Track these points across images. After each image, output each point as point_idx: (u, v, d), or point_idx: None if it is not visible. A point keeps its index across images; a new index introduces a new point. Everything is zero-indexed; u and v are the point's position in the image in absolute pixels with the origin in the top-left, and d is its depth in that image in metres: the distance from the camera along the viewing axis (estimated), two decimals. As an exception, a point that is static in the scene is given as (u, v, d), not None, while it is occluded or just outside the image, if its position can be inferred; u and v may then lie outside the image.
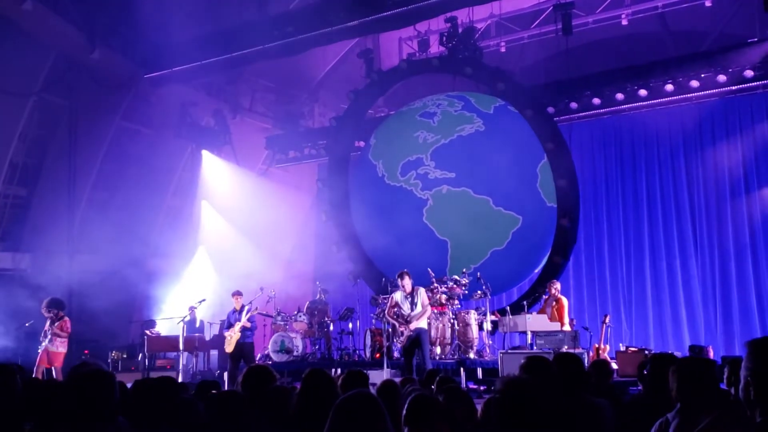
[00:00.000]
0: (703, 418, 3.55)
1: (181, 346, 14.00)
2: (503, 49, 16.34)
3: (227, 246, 16.78)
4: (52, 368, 12.18)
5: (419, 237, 15.18)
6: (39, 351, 12.28)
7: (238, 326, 12.67)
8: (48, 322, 12.55)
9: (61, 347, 12.47)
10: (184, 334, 14.14)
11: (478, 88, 16.08)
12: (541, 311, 13.20)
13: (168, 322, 15.52)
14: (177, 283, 16.51)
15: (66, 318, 12.66)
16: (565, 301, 13.07)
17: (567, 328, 12.65)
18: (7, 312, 13.83)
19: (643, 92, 14.46)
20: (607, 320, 12.36)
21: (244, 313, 12.75)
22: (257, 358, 14.00)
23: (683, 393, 3.75)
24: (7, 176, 16.36)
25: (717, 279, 14.67)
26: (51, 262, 15.07)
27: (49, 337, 12.42)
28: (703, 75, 13.96)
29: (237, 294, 13.09)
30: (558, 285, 13.32)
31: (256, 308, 13.55)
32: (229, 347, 12.81)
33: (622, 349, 12.27)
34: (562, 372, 5.16)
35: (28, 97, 15.89)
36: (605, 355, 12.12)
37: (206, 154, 17.71)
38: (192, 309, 14.77)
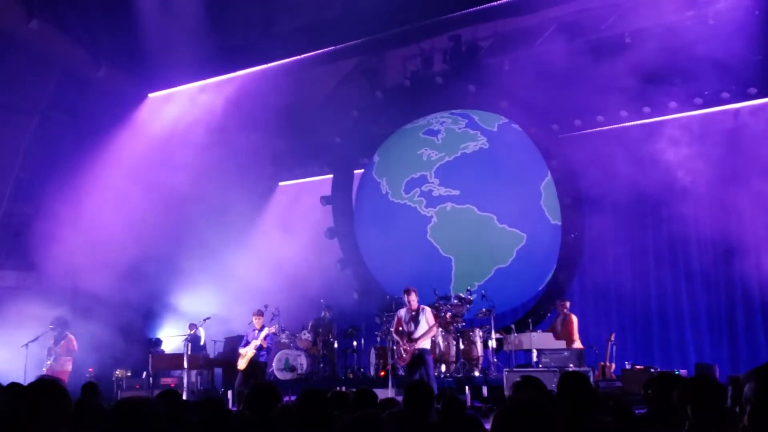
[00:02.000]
0: None
1: (185, 364, 13.96)
2: (507, 67, 16.34)
3: (232, 263, 16.76)
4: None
5: (423, 254, 15.19)
6: (44, 370, 12.26)
7: (254, 344, 12.68)
8: (52, 341, 12.55)
9: (66, 366, 12.48)
10: (189, 352, 14.11)
11: (481, 106, 16.10)
12: (551, 329, 13.15)
13: (173, 339, 15.50)
14: (182, 301, 16.49)
15: (71, 336, 12.67)
16: (574, 318, 13.03)
17: (578, 345, 12.62)
18: (12, 330, 13.82)
19: (647, 109, 14.50)
20: (612, 338, 12.31)
21: (263, 332, 12.75)
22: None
23: (688, 411, 3.73)
24: (12, 194, 16.43)
25: (722, 297, 14.59)
26: (56, 279, 15.08)
27: (54, 356, 12.42)
28: (706, 92, 14.00)
29: (258, 313, 13.11)
30: (567, 303, 13.29)
31: (275, 327, 13.59)
32: (242, 364, 12.80)
33: (628, 367, 12.21)
34: (569, 390, 5.17)
35: (33, 114, 15.99)
36: (611, 373, 12.08)
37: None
38: (193, 326, 14.75)
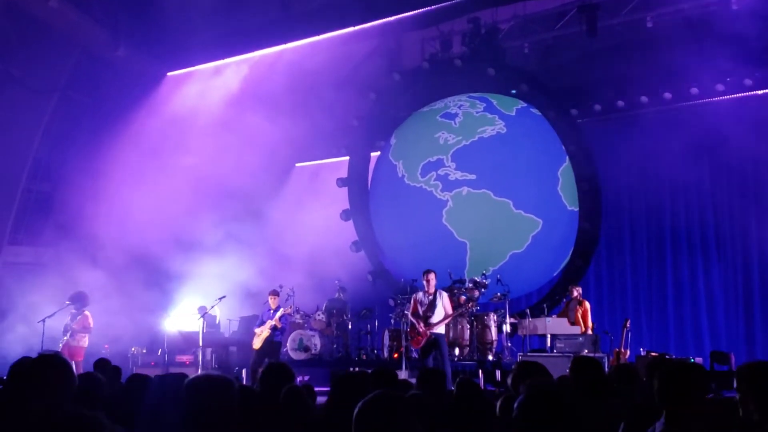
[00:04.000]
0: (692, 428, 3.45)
1: (200, 343, 14.04)
2: (527, 50, 16.22)
3: (248, 243, 16.81)
4: (73, 363, 12.23)
5: (438, 238, 15.18)
6: (60, 346, 12.33)
7: (269, 324, 12.72)
8: (69, 318, 12.63)
9: (82, 342, 12.56)
10: (204, 331, 14.18)
11: (500, 90, 16.00)
12: (562, 314, 13.11)
13: (189, 317, 15.57)
14: (199, 279, 16.55)
15: (87, 314, 12.73)
16: (587, 304, 13.00)
17: (589, 332, 12.58)
18: (30, 306, 13.93)
19: (667, 95, 14.38)
20: (627, 324, 12.25)
21: (279, 312, 12.78)
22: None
23: (667, 397, 3.60)
24: (31, 172, 16.52)
25: (740, 284, 14.50)
26: (73, 257, 15.17)
27: (70, 332, 12.51)
28: (728, 79, 13.86)
29: (273, 293, 13.14)
30: (579, 288, 13.25)
31: (290, 307, 13.63)
32: (257, 343, 12.86)
33: (643, 353, 12.16)
34: (580, 375, 5.15)
35: (52, 93, 16.04)
36: (625, 359, 12.03)
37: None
38: (203, 309, 14.71)
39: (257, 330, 12.98)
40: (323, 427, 4.38)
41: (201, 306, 14.99)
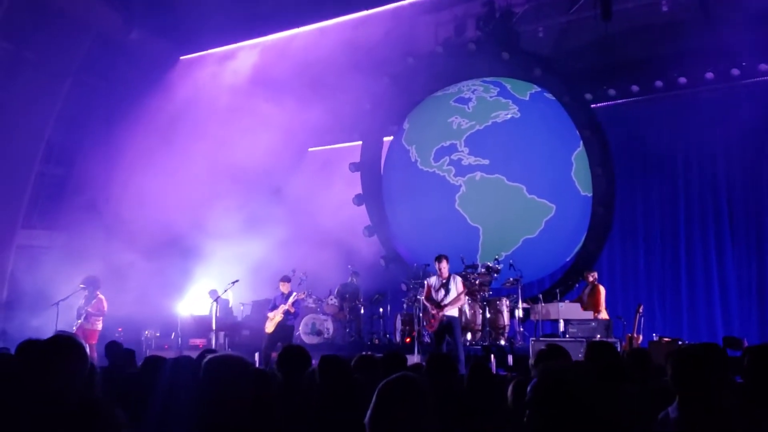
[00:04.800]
0: (709, 417, 3.42)
1: (213, 326, 14.09)
2: (541, 34, 16.10)
3: (261, 228, 16.83)
4: (87, 345, 12.30)
5: (451, 223, 15.16)
6: (74, 329, 12.41)
7: (282, 308, 12.75)
8: (83, 301, 12.71)
9: (96, 325, 12.64)
10: (217, 315, 14.23)
11: (514, 74, 15.91)
12: (578, 299, 13.09)
13: (202, 301, 15.63)
14: (212, 263, 16.61)
15: (101, 297, 12.80)
16: (602, 289, 12.97)
17: (604, 315, 12.56)
18: (44, 289, 14.00)
19: (682, 80, 14.28)
20: (640, 310, 12.22)
21: (292, 297, 12.81)
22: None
23: (681, 382, 3.55)
24: (44, 155, 16.57)
25: (753, 269, 14.44)
26: (87, 240, 15.24)
27: (84, 315, 12.59)
28: (744, 64, 13.74)
29: (285, 280, 13.15)
30: (595, 274, 13.23)
31: (303, 292, 13.66)
32: (270, 327, 12.90)
33: (655, 338, 12.13)
34: (595, 360, 5.14)
35: (65, 76, 16.06)
36: (638, 345, 12.00)
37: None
38: (214, 293, 14.73)
39: (270, 314, 13.01)
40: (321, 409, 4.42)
41: (212, 290, 15.03)
